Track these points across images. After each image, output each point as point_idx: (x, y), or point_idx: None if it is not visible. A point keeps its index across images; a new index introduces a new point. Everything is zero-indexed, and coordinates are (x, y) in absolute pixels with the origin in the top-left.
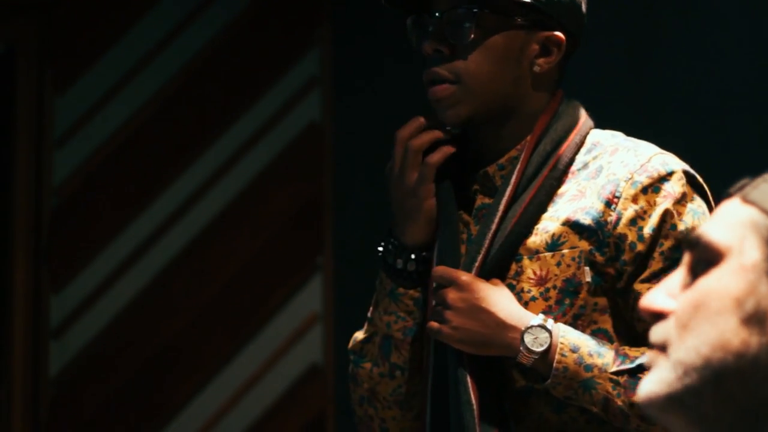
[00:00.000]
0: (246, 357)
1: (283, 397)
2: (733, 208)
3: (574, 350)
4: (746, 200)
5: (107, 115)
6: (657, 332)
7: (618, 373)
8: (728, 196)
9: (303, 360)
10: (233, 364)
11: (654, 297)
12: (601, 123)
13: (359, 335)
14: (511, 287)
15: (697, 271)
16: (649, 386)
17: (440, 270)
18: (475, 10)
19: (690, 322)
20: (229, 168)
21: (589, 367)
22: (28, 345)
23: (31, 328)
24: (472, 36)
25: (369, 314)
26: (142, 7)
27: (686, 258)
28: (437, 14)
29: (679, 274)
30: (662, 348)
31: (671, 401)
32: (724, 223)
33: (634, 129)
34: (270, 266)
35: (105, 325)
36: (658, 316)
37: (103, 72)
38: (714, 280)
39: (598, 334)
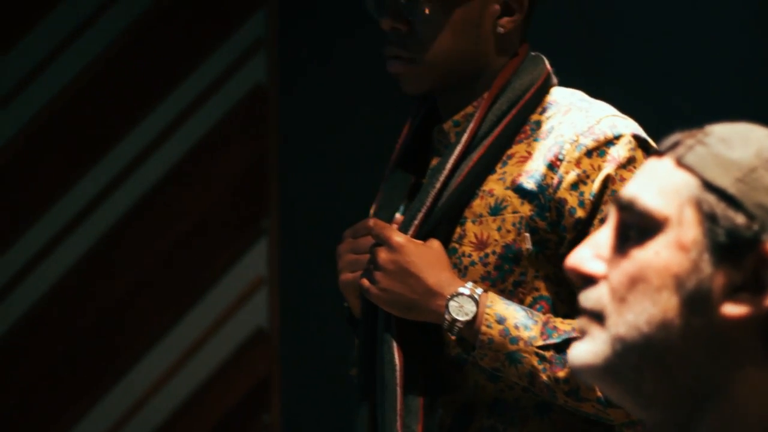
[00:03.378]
0: (191, 320)
1: (228, 360)
2: (666, 170)
3: (499, 321)
4: (681, 164)
5: (51, 75)
6: (589, 298)
7: (544, 347)
8: (657, 153)
9: (248, 323)
10: (178, 327)
11: (581, 258)
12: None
13: None
14: (453, 251)
15: (628, 235)
16: (585, 356)
17: (376, 226)
18: None
19: (628, 296)
20: (174, 130)
21: (514, 340)
22: None
23: None
24: (427, 11)
25: None
26: None
27: (614, 217)
28: None
29: (606, 233)
30: (595, 316)
31: (607, 373)
32: (658, 188)
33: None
34: (215, 229)
35: (48, 288)
36: (587, 279)
37: (47, 32)
38: (652, 253)
39: (540, 301)
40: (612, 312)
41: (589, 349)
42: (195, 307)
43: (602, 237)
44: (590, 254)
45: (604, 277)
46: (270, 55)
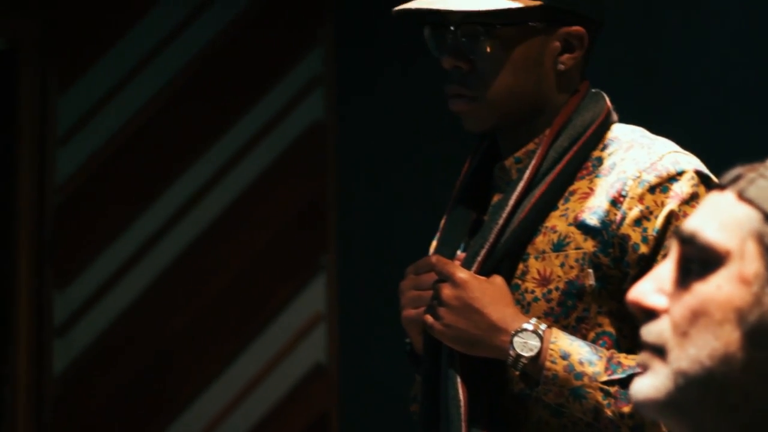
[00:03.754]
0: (250, 356)
1: (287, 396)
2: (728, 204)
3: (564, 357)
4: (742, 198)
5: (110, 113)
6: (651, 332)
7: (609, 382)
8: (719, 186)
9: (307, 359)
10: (237, 362)
11: (643, 292)
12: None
13: None
14: (516, 287)
15: (690, 268)
16: (647, 390)
17: (439, 262)
18: (488, 23)
19: (690, 330)
20: (233, 167)
21: (579, 375)
22: (32, 343)
23: (35, 326)
24: (489, 49)
25: None
26: (144, 6)
27: (676, 251)
28: (452, 28)
29: (668, 267)
30: (657, 350)
31: (669, 407)
32: (719, 221)
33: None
34: (274, 265)
35: (109, 323)
36: (649, 312)
37: (106, 70)
38: (714, 287)
39: (602, 337)
40: (674, 346)
41: (651, 383)
42: (254, 343)
43: (664, 271)
44: (652, 288)
45: (666, 311)
46: (327, 93)
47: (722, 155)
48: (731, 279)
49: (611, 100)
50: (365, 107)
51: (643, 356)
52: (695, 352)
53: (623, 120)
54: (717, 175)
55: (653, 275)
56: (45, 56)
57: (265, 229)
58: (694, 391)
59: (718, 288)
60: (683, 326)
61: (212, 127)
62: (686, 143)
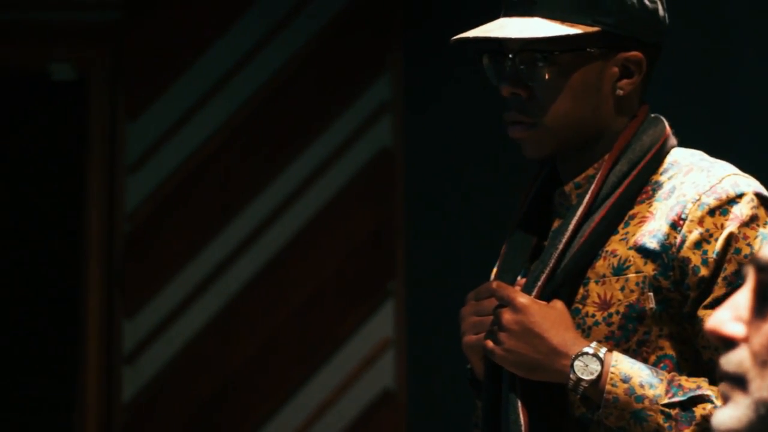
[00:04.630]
0: (318, 382)
1: (355, 422)
2: None
3: (624, 380)
4: None
5: (179, 141)
6: (730, 362)
7: (670, 405)
8: None
9: (375, 385)
10: (306, 389)
11: (721, 320)
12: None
13: None
14: (577, 311)
15: (767, 296)
16: (729, 422)
17: (499, 288)
18: (546, 50)
19: None
20: (301, 194)
21: (640, 398)
22: (101, 370)
23: (105, 354)
24: (547, 76)
25: None
26: (211, 36)
27: (752, 278)
28: (510, 56)
29: (745, 295)
30: (737, 380)
31: None
32: None
33: (710, 146)
34: (342, 292)
35: (178, 350)
36: (727, 341)
37: (175, 98)
38: None
39: (664, 360)
40: (755, 376)
41: (733, 414)
42: (322, 370)
43: (741, 299)
44: (729, 316)
45: (745, 340)
46: (395, 119)
47: None
48: None
49: (678, 126)
50: (433, 134)
51: (723, 387)
52: None
53: (690, 145)
54: None
55: (730, 303)
56: (114, 85)
57: (333, 256)
58: None
59: None
60: (763, 355)
61: (280, 154)
62: (755, 169)
